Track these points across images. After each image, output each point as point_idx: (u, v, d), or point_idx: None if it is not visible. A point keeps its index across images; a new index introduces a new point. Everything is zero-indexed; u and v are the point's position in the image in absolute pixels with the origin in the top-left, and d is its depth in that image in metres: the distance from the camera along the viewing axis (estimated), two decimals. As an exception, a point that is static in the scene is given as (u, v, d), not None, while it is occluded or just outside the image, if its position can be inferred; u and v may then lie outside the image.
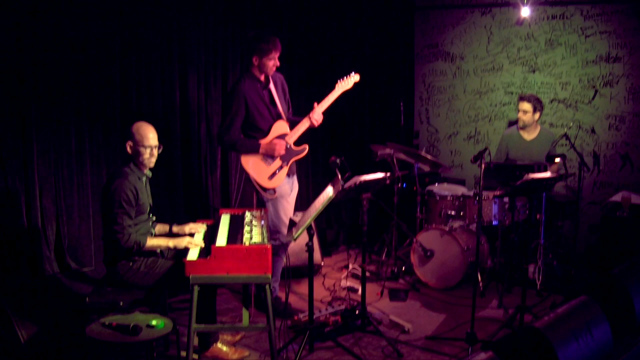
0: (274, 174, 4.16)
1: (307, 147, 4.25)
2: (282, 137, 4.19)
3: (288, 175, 4.26)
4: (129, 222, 3.38)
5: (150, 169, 3.60)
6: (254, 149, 4.13)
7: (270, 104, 4.21)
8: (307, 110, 4.32)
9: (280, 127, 4.20)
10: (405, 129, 6.33)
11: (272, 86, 4.22)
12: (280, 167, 4.17)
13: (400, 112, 5.97)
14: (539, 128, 5.31)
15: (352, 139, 6.39)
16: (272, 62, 4.10)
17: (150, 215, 3.64)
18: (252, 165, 4.14)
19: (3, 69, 3.95)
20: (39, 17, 4.04)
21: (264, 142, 4.14)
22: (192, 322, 3.18)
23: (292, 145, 4.21)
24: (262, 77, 4.19)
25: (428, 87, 6.48)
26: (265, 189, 4.14)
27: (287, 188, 4.28)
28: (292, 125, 4.26)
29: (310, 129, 4.28)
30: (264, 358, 3.66)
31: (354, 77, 4.35)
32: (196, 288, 3.15)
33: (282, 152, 4.15)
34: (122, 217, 3.35)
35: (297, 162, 4.36)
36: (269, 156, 4.15)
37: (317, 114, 4.19)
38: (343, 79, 4.33)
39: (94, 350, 3.04)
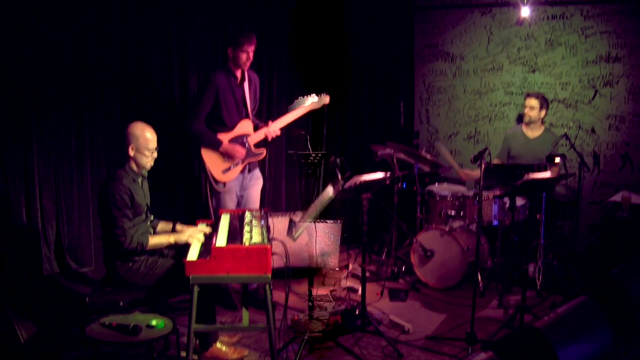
0: (228, 169, 4.30)
1: (264, 151, 4.42)
2: (244, 136, 4.34)
3: (243, 171, 4.39)
4: (129, 224, 3.38)
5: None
6: (214, 146, 4.27)
7: (240, 101, 4.35)
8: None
9: (245, 126, 4.36)
10: (405, 129, 6.33)
11: (246, 85, 4.37)
12: (236, 164, 4.32)
13: (400, 112, 5.97)
14: (543, 128, 5.33)
15: (352, 138, 6.40)
16: (245, 56, 4.25)
17: (148, 214, 3.64)
18: (210, 156, 4.28)
19: (3, 69, 3.95)
20: (39, 17, 4.04)
21: (225, 141, 4.27)
22: (192, 322, 3.18)
23: (252, 147, 4.37)
24: (238, 73, 4.33)
25: (428, 87, 6.48)
26: (216, 181, 4.28)
27: (237, 184, 4.40)
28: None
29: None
30: (264, 358, 3.66)
31: (324, 99, 4.53)
32: (196, 288, 3.15)
33: (241, 157, 4.31)
34: (121, 220, 3.34)
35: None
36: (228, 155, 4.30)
37: (273, 129, 4.39)
38: (311, 96, 4.50)
39: (94, 350, 3.04)
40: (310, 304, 4.14)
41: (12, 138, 4.03)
